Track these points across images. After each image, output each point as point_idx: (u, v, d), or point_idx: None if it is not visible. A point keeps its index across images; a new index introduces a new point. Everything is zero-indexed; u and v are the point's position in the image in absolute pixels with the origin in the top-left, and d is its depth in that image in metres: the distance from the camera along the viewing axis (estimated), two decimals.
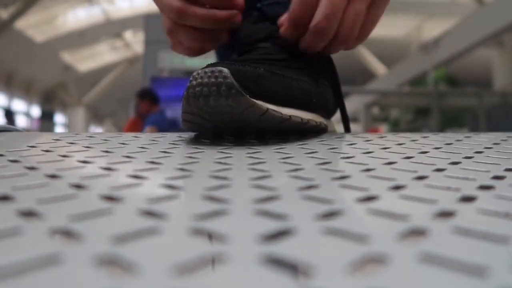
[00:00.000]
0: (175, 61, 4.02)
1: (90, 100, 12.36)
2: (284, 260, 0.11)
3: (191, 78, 0.29)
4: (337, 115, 0.46)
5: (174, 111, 2.96)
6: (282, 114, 0.31)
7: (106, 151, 0.28)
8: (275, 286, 0.10)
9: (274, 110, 0.30)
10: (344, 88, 0.44)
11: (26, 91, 11.28)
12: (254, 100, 0.29)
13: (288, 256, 0.11)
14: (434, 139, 0.35)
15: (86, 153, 0.28)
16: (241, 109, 0.29)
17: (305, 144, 0.32)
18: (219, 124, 0.31)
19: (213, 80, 0.28)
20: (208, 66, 0.29)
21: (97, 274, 0.10)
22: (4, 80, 10.13)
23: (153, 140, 0.33)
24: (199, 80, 0.29)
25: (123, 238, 0.12)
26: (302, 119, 0.33)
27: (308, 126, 0.35)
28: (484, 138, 0.35)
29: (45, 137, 0.36)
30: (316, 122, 0.36)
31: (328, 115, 0.41)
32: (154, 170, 0.22)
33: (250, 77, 0.29)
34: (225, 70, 0.28)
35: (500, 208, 0.16)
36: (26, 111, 11.88)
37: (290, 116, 0.32)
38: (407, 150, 0.29)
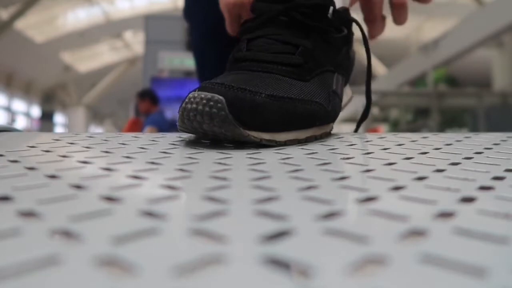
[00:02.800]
0: (175, 61, 4.01)
1: (90, 101, 12.36)
2: (284, 261, 0.11)
3: (186, 100, 0.29)
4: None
5: (174, 112, 2.96)
6: (276, 141, 0.31)
7: (106, 152, 0.28)
8: (275, 286, 0.10)
9: (268, 140, 0.30)
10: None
11: (26, 91, 11.28)
12: (248, 132, 0.29)
13: (288, 257, 0.11)
14: (433, 140, 0.35)
15: (86, 154, 0.28)
16: (234, 136, 0.29)
17: (305, 144, 0.32)
18: (215, 138, 0.32)
19: (207, 109, 0.28)
20: (206, 87, 0.29)
21: (97, 274, 0.10)
22: (4, 81, 10.13)
23: (153, 141, 0.33)
24: (194, 106, 0.28)
25: (122, 239, 0.12)
26: (299, 140, 0.33)
27: (306, 142, 0.34)
28: (484, 139, 0.35)
29: (45, 137, 0.36)
30: (316, 137, 0.35)
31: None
32: (154, 170, 0.22)
33: (247, 108, 0.29)
34: (221, 99, 0.27)
35: (500, 209, 0.16)
36: (26, 111, 11.89)
37: (285, 141, 0.31)
38: (407, 150, 0.29)
